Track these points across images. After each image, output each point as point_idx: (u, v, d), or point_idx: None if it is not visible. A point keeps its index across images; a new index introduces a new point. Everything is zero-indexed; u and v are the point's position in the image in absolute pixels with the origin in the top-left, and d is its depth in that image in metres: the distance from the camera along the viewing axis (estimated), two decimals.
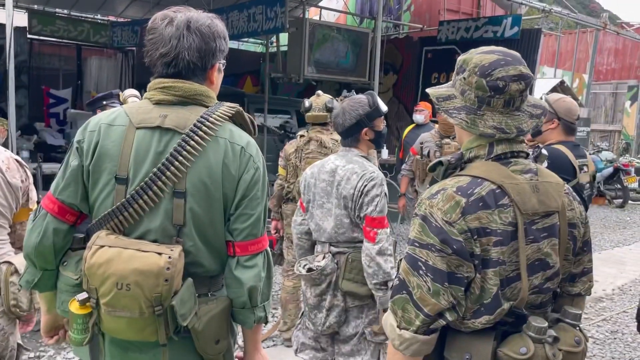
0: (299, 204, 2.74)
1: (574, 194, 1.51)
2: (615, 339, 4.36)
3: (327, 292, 2.54)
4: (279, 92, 12.34)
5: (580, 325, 1.45)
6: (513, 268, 1.35)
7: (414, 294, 1.33)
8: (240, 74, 13.18)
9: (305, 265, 2.56)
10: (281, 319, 3.99)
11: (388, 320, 1.40)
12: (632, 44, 15.97)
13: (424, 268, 1.33)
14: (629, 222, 9.40)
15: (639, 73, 13.96)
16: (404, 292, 1.35)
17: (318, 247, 2.62)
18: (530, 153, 1.51)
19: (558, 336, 1.35)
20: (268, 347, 3.89)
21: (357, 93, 2.77)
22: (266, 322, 1.60)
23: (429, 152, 4.78)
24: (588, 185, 3.04)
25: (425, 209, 1.36)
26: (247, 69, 13.25)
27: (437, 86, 1.50)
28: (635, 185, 10.76)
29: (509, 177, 1.36)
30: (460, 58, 1.44)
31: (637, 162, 11.04)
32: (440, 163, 1.44)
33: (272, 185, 4.20)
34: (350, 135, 2.54)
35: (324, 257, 2.53)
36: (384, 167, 7.97)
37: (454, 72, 1.46)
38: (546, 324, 1.33)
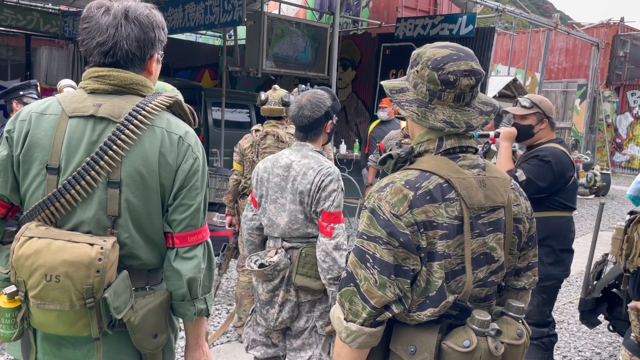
0: (249, 198, 2.70)
1: (520, 189, 1.53)
2: (561, 328, 4.51)
3: (280, 287, 2.52)
4: (238, 86, 12.23)
5: (523, 318, 1.48)
6: (458, 261, 1.36)
7: (361, 287, 1.33)
8: (198, 67, 13.01)
9: (256, 260, 2.53)
10: (234, 312, 3.95)
11: (335, 312, 1.40)
12: (582, 44, 16.55)
13: (371, 260, 1.33)
14: (577, 215, 9.74)
15: (588, 72, 14.49)
16: (351, 284, 1.36)
17: (270, 243, 2.59)
18: (480, 148, 1.54)
19: (500, 329, 1.38)
20: (222, 343, 3.86)
21: (312, 87, 2.77)
22: (208, 315, 1.58)
23: (390, 149, 4.86)
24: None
25: (374, 201, 1.37)
26: (205, 62, 13.10)
27: (393, 79, 1.51)
28: (583, 180, 11.17)
29: (457, 172, 1.38)
30: (415, 52, 1.45)
31: (585, 158, 11.45)
32: (390, 156, 1.45)
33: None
34: (315, 127, 2.53)
35: (276, 253, 2.51)
36: (342, 162, 8.01)
37: (409, 65, 1.47)
38: (489, 317, 1.35)
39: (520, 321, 1.45)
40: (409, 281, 1.33)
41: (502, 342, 1.37)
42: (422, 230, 1.32)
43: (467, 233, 1.35)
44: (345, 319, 1.36)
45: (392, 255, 1.31)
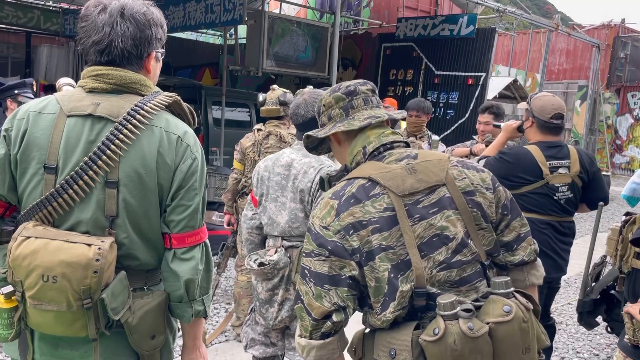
0: (249, 197, 2.70)
1: (469, 164, 1.52)
2: (559, 330, 4.50)
3: (280, 286, 2.52)
4: (239, 85, 12.23)
5: (515, 292, 1.37)
6: (406, 251, 1.36)
7: (305, 301, 1.41)
8: (198, 65, 13.01)
9: (256, 259, 2.53)
10: (232, 311, 3.95)
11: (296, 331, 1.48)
12: (583, 45, 16.53)
13: (308, 275, 1.41)
14: (576, 217, 9.73)
15: (589, 74, 14.47)
16: (299, 301, 1.43)
17: (269, 241, 2.59)
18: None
19: (470, 307, 1.30)
20: (220, 342, 3.85)
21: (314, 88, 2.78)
22: (205, 317, 1.57)
23: None
24: (566, 187, 2.87)
25: (310, 220, 1.46)
26: (206, 61, 13.10)
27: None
28: None
29: (381, 169, 1.43)
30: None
31: None
32: (321, 178, 1.60)
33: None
34: (309, 127, 2.51)
35: (276, 251, 2.51)
36: None
37: (318, 118, 1.63)
38: (453, 298, 1.30)
39: (511, 296, 1.35)
40: (346, 289, 1.38)
41: (488, 323, 1.29)
42: (351, 232, 1.37)
43: (403, 219, 1.37)
44: (299, 335, 1.43)
45: (327, 265, 1.38)
